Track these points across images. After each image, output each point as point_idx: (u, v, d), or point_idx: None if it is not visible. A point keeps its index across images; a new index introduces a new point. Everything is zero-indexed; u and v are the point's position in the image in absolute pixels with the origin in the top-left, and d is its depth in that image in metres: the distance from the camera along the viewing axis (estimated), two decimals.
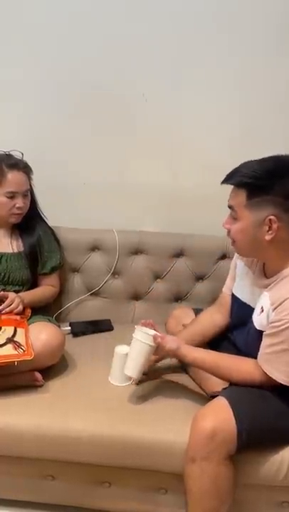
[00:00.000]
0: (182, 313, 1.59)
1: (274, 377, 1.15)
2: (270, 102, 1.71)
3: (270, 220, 1.12)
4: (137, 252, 1.82)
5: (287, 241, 1.15)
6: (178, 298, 1.83)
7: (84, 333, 1.73)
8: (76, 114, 1.79)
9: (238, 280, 1.37)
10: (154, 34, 1.68)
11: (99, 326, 1.76)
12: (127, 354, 1.33)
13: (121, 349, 1.40)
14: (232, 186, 1.18)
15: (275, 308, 1.15)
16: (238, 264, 1.38)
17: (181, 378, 1.44)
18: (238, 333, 1.35)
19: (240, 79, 1.70)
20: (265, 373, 1.16)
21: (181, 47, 1.68)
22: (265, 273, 1.25)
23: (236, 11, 1.63)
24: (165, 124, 1.77)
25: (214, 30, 1.65)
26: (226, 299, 1.43)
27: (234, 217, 1.18)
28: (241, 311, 1.32)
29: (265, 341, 1.17)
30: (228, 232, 1.21)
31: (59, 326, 1.60)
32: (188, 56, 1.69)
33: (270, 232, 1.13)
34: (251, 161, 1.17)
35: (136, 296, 1.85)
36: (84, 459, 1.29)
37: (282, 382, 1.14)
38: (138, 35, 1.68)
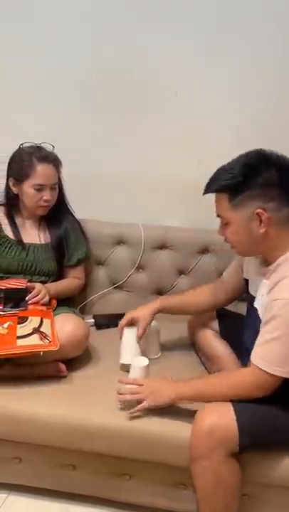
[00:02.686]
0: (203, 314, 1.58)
1: (270, 371, 1.10)
2: None
3: (257, 213, 1.13)
4: (162, 247, 1.82)
5: (280, 228, 1.15)
6: None
7: (107, 326, 1.74)
8: (104, 109, 1.80)
9: (250, 268, 1.35)
10: (185, 27, 1.66)
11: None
12: (145, 366, 1.34)
13: (138, 361, 1.37)
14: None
15: (268, 293, 1.16)
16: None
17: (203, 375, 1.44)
18: (247, 329, 1.33)
19: (268, 74, 1.69)
20: (259, 374, 1.12)
21: (211, 41, 1.67)
22: (266, 262, 1.24)
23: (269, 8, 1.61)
24: (193, 119, 1.75)
25: (244, 32, 1.65)
26: (220, 285, 1.48)
27: (225, 224, 1.20)
28: (248, 300, 1.33)
29: (260, 331, 1.15)
30: (225, 239, 1.23)
31: (83, 319, 1.62)
32: (218, 50, 1.67)
33: (261, 225, 1.14)
34: (223, 165, 1.19)
35: (159, 291, 1.85)
36: (105, 451, 1.30)
37: (278, 374, 1.10)
38: (168, 29, 1.67)
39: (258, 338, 1.15)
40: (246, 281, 1.36)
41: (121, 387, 1.29)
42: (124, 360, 1.44)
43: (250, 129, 1.73)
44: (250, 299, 1.30)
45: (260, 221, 1.14)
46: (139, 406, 1.24)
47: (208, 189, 1.19)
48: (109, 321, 1.76)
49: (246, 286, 1.36)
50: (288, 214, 1.14)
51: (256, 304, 1.25)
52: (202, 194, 1.21)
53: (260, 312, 1.22)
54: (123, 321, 1.48)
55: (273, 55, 1.66)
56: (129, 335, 1.46)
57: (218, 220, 1.71)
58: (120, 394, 1.27)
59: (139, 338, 1.45)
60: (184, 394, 1.22)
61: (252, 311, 1.27)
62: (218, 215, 1.21)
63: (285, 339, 1.09)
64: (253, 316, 1.25)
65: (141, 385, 1.26)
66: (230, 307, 1.54)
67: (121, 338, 1.47)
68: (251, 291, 1.31)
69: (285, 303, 1.09)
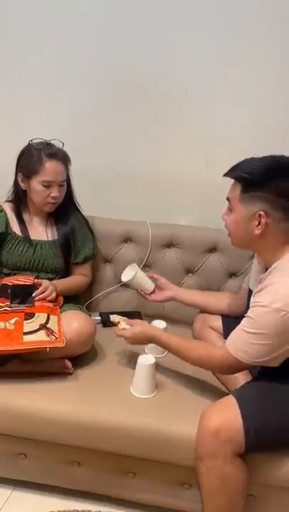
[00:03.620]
0: (208, 315, 1.59)
1: (239, 358, 1.17)
2: None
3: (259, 215, 1.16)
4: (169, 245, 1.81)
5: (275, 237, 1.18)
6: None
7: (114, 324, 1.73)
8: (115, 107, 1.79)
9: (254, 275, 1.38)
10: (198, 27, 1.65)
11: (129, 318, 1.75)
12: (151, 365, 1.34)
13: (144, 359, 1.36)
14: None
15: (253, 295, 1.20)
16: (254, 261, 1.40)
17: (206, 376, 1.43)
18: None
19: (278, 74, 1.68)
20: (228, 356, 1.18)
21: (223, 42, 1.66)
22: (263, 270, 1.27)
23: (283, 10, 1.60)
24: (203, 118, 1.75)
25: (255, 32, 1.63)
26: (242, 292, 1.50)
27: (230, 209, 1.24)
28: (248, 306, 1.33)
29: (242, 321, 1.20)
30: (225, 224, 1.27)
31: (90, 316, 1.62)
32: (229, 50, 1.66)
33: (259, 226, 1.17)
34: (254, 157, 1.21)
35: None
36: (110, 448, 1.30)
37: (241, 360, 1.16)
38: (181, 27, 1.66)
39: (238, 327, 1.20)
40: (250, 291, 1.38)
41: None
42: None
43: (258, 129, 1.72)
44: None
45: (259, 222, 1.17)
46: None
47: (228, 173, 1.23)
48: None
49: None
50: (286, 228, 1.17)
51: None
52: (222, 175, 1.24)
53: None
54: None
55: (285, 56, 1.65)
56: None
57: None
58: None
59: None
60: (161, 338, 1.34)
61: None
62: (228, 199, 1.25)
63: (255, 336, 1.14)
64: None
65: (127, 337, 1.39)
66: None
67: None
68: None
69: (262, 306, 1.13)
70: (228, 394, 1.23)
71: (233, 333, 1.21)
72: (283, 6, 1.60)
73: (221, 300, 1.57)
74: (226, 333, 1.48)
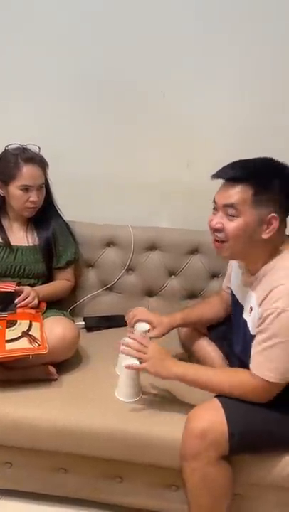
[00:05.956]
0: None
1: (266, 378, 1.11)
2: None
3: (271, 218, 1.11)
4: (151, 248, 1.81)
5: (277, 239, 1.15)
6: (192, 295, 1.82)
7: (98, 328, 1.74)
8: (93, 110, 1.79)
9: (234, 278, 1.36)
10: (175, 31, 1.66)
11: (113, 322, 1.76)
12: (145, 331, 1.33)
13: (141, 326, 1.38)
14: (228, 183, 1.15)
15: (260, 304, 1.14)
16: (233, 262, 1.38)
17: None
18: (236, 339, 1.32)
19: (257, 75, 1.69)
20: (258, 381, 1.12)
21: (201, 45, 1.67)
22: (250, 271, 1.23)
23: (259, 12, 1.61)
24: (182, 120, 1.75)
25: (232, 33, 1.64)
26: (224, 295, 1.47)
27: (231, 215, 1.13)
28: (236, 310, 1.32)
29: (256, 339, 1.14)
30: (218, 230, 1.16)
31: (73, 321, 1.61)
32: (206, 51, 1.67)
33: (267, 230, 1.12)
34: (251, 158, 1.16)
35: (150, 293, 1.84)
36: (96, 453, 1.30)
37: (270, 380, 1.10)
38: (159, 31, 1.67)
39: (254, 346, 1.14)
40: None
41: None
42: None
43: (239, 131, 1.73)
44: (239, 309, 1.29)
45: (267, 226, 1.12)
46: (140, 365, 1.23)
47: (235, 173, 1.13)
48: (99, 323, 1.75)
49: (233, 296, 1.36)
50: (283, 229, 1.16)
51: (245, 316, 1.24)
52: (211, 177, 1.16)
53: (250, 326, 1.21)
54: (138, 316, 1.43)
55: (263, 56, 1.66)
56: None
57: (206, 220, 1.71)
58: (125, 345, 1.27)
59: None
60: (187, 375, 1.21)
61: (241, 322, 1.26)
62: (229, 205, 1.13)
63: (283, 346, 1.09)
64: (243, 327, 1.24)
65: (146, 346, 1.25)
66: None
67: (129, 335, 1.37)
68: (239, 300, 1.30)
69: (279, 312, 1.08)
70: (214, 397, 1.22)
71: (253, 357, 1.14)
72: (261, 6, 1.61)
73: (211, 309, 1.51)
74: (213, 334, 1.51)
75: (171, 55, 1.69)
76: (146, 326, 1.41)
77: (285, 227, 1.18)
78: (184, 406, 1.28)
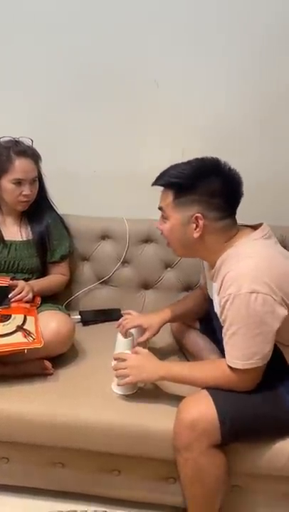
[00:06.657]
0: None
1: (237, 366, 1.11)
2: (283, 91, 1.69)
3: (196, 217, 1.16)
4: (147, 240, 1.80)
5: (214, 237, 1.19)
6: (188, 287, 1.81)
7: (94, 322, 1.73)
8: (87, 102, 1.77)
9: (206, 273, 1.37)
10: (167, 20, 1.64)
11: (109, 315, 1.75)
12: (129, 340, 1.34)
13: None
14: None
15: (218, 294, 1.17)
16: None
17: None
18: (219, 331, 1.29)
19: (247, 63, 1.68)
20: (233, 371, 1.13)
21: (194, 34, 1.65)
22: (210, 265, 1.26)
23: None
24: (176, 109, 1.74)
25: (226, 20, 1.63)
26: (203, 289, 1.47)
27: (164, 218, 1.22)
28: (210, 303, 1.33)
29: (223, 330, 1.16)
30: (162, 233, 1.25)
31: (69, 315, 1.60)
32: (201, 43, 1.66)
33: (197, 229, 1.17)
34: (179, 163, 1.20)
35: (146, 285, 1.84)
36: (93, 447, 1.29)
37: (240, 367, 1.11)
38: (150, 21, 1.65)
39: (223, 337, 1.16)
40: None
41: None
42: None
43: (233, 118, 1.72)
44: (211, 302, 1.30)
45: (197, 225, 1.17)
46: (125, 380, 1.25)
47: (157, 181, 1.22)
48: (95, 317, 1.75)
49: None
50: (223, 226, 1.18)
51: (215, 308, 1.25)
52: (150, 185, 1.23)
53: (219, 315, 1.21)
54: (128, 325, 1.44)
55: (254, 44, 1.65)
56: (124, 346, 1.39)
57: None
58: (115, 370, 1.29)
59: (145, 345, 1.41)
60: (173, 374, 1.23)
61: (213, 314, 1.28)
62: (160, 208, 1.24)
63: (243, 331, 1.10)
64: (216, 319, 1.25)
65: (124, 360, 1.27)
66: None
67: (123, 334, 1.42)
68: (210, 295, 1.32)
69: (233, 298, 1.09)
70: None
71: (225, 348, 1.15)
72: (250, 2, 1.59)
73: (195, 302, 1.52)
74: (203, 326, 1.52)
75: (163, 44, 1.67)
76: (132, 335, 1.40)
77: (232, 221, 1.20)
78: (181, 398, 1.26)
